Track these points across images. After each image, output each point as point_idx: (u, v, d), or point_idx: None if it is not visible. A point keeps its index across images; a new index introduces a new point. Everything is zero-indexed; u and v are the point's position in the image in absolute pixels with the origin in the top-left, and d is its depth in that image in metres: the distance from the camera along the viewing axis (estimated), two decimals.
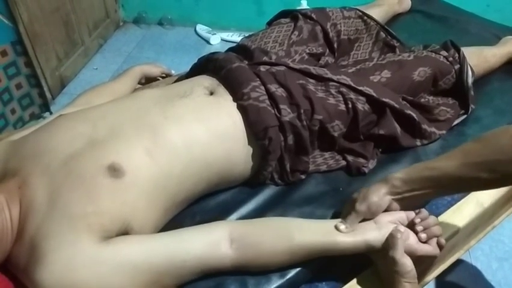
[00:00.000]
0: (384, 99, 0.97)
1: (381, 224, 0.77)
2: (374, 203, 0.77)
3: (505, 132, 0.68)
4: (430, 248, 0.75)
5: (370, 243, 0.75)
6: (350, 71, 1.06)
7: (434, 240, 0.76)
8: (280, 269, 0.78)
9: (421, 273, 0.82)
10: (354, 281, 0.79)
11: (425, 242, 0.75)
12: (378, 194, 0.78)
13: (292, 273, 0.78)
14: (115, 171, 0.74)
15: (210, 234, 0.75)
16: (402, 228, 0.75)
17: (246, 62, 1.02)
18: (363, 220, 0.79)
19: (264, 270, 0.78)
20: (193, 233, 0.76)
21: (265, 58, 1.03)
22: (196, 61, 1.12)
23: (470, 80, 1.08)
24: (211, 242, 0.74)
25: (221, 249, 0.74)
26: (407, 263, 0.72)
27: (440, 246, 0.76)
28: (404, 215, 0.78)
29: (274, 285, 0.77)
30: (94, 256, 0.68)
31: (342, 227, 0.77)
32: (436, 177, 0.74)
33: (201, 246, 0.73)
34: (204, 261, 0.73)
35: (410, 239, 0.75)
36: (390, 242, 0.73)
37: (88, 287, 0.66)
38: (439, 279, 1.40)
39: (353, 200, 0.80)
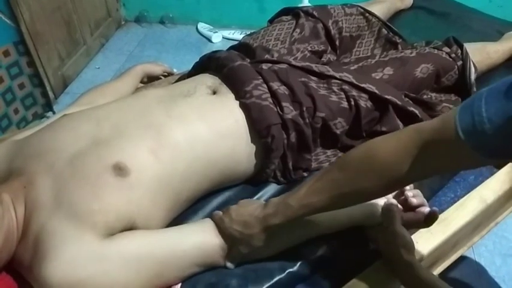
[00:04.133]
0: (386, 96, 0.97)
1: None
2: (256, 247, 0.76)
3: (365, 159, 0.66)
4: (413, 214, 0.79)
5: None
6: (352, 68, 1.05)
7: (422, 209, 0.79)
8: (281, 263, 0.78)
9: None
10: (357, 277, 0.79)
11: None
12: (261, 240, 0.75)
13: (292, 267, 0.79)
14: (120, 170, 0.75)
15: (209, 223, 0.78)
16: (394, 201, 0.77)
17: (248, 60, 1.02)
18: None
19: (266, 257, 0.78)
20: (194, 225, 0.79)
21: (267, 56, 1.03)
22: (198, 59, 1.12)
23: (473, 77, 1.08)
24: (211, 231, 0.76)
25: (219, 236, 0.76)
26: (405, 234, 0.74)
27: (433, 215, 0.78)
28: None
29: (275, 280, 0.77)
30: (99, 252, 0.68)
31: (229, 265, 0.77)
32: (313, 212, 0.72)
33: (201, 235, 0.76)
34: (204, 250, 0.75)
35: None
36: (387, 216, 0.75)
37: (93, 282, 0.67)
38: (442, 275, 1.39)
39: (234, 237, 0.75)
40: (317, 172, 0.72)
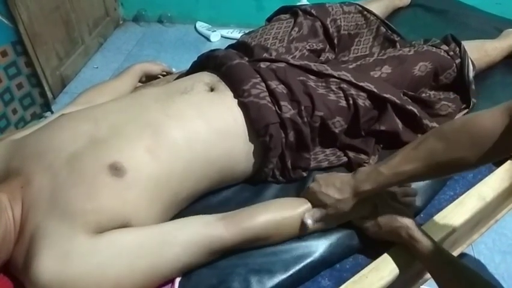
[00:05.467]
0: (385, 95, 0.97)
1: None
2: (344, 213, 0.81)
3: (465, 128, 0.68)
4: None
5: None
6: (350, 66, 1.05)
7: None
8: (284, 264, 0.78)
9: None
10: (357, 276, 0.80)
11: None
12: (350, 205, 0.80)
13: (295, 269, 0.78)
14: (116, 170, 0.74)
15: (202, 217, 0.78)
16: None
17: (246, 59, 1.02)
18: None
19: (262, 244, 0.80)
20: (187, 218, 0.79)
21: (265, 55, 1.03)
22: (196, 58, 1.12)
23: (471, 74, 1.08)
24: (203, 222, 0.77)
25: (211, 224, 0.76)
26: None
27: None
28: None
29: (277, 281, 0.77)
30: (89, 248, 0.68)
31: (309, 221, 0.80)
32: (404, 180, 0.76)
33: (194, 225, 0.76)
34: (197, 240, 0.74)
35: None
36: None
37: (85, 279, 0.66)
38: None
39: (321, 202, 0.81)
40: (410, 143, 0.77)
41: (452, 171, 0.76)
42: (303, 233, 0.82)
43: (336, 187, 0.80)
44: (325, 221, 0.82)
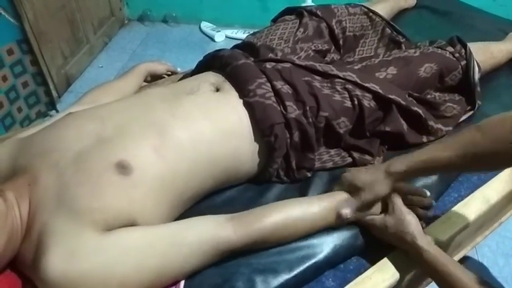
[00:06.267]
0: (390, 96, 0.97)
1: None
2: (381, 195, 0.81)
3: (503, 122, 0.68)
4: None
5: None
6: (355, 67, 1.05)
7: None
8: (288, 264, 0.78)
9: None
10: (361, 277, 0.79)
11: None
12: (386, 187, 0.80)
13: (299, 269, 0.78)
14: (123, 168, 0.75)
15: (210, 217, 0.78)
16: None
17: (252, 59, 1.02)
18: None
19: (269, 246, 0.80)
20: (194, 218, 0.79)
21: (270, 55, 1.03)
22: (201, 58, 1.12)
23: (476, 76, 1.08)
24: (212, 223, 0.76)
25: (220, 225, 0.76)
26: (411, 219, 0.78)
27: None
28: None
29: (282, 281, 0.77)
30: (97, 245, 0.68)
31: (345, 211, 0.80)
32: (437, 168, 0.76)
33: (202, 226, 0.76)
34: (206, 240, 0.74)
35: None
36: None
37: (92, 276, 0.67)
38: None
39: (356, 186, 0.81)
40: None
41: (484, 166, 0.74)
42: (340, 224, 0.82)
43: (368, 170, 0.82)
44: (362, 210, 0.82)
